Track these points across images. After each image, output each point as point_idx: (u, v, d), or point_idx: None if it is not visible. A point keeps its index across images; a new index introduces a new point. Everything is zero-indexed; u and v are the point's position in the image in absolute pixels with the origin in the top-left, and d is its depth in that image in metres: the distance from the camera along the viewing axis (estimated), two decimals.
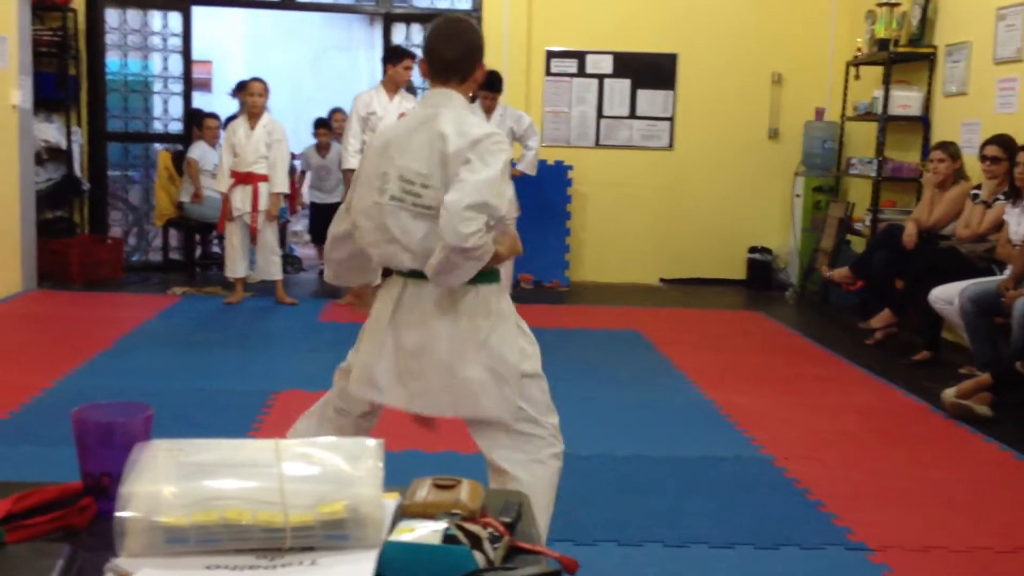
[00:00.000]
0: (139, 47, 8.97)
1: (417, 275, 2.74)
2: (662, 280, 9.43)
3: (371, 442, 1.31)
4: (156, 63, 9.10)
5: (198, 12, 9.70)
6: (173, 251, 9.23)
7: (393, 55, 7.53)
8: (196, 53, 13.78)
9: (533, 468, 2.89)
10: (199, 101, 11.37)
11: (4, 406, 4.69)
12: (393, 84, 7.43)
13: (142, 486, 1.18)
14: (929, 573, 3.31)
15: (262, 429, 4.56)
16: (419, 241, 2.68)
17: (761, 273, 9.26)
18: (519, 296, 8.11)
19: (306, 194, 9.60)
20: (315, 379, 5.41)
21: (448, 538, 1.14)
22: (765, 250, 9.29)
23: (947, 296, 5.88)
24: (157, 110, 9.19)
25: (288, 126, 10.28)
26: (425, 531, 1.15)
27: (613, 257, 9.32)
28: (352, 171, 7.38)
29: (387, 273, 2.94)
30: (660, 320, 7.60)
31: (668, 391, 5.52)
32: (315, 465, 1.22)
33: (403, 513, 1.29)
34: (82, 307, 7.28)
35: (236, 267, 7.59)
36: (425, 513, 1.25)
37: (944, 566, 3.36)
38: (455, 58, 2.80)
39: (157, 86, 9.12)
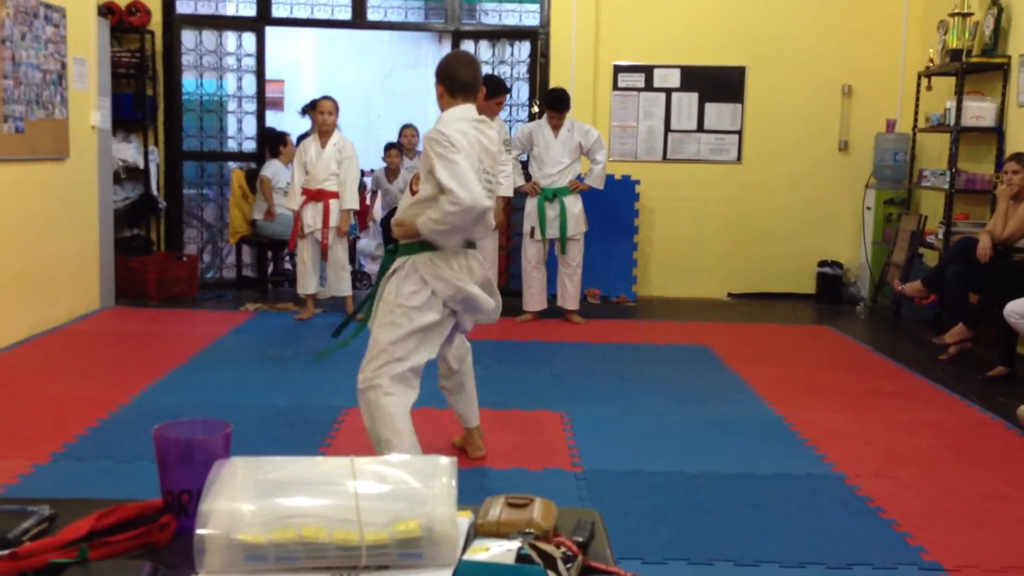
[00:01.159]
0: (214, 67, 9.15)
1: None
2: (730, 295, 9.37)
3: (444, 460, 1.33)
4: (230, 83, 9.28)
5: (271, 32, 9.85)
6: (246, 268, 9.38)
7: (492, 88, 7.27)
8: (269, 72, 14.10)
9: None
10: (271, 120, 11.57)
11: (83, 422, 4.82)
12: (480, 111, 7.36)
13: (221, 503, 1.21)
14: None
15: (333, 444, 4.63)
16: None
17: (831, 287, 9.15)
18: (587, 311, 8.15)
19: (378, 210, 9.72)
20: None
21: (522, 557, 1.16)
22: (835, 264, 9.18)
23: (1022, 310, 5.77)
24: (231, 129, 9.36)
25: (358, 143, 10.42)
26: (499, 550, 1.17)
27: (680, 272, 9.28)
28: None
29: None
30: (729, 335, 7.55)
31: (738, 407, 5.48)
32: (389, 483, 1.25)
33: (476, 532, 1.30)
34: (158, 324, 7.44)
35: (307, 283, 7.70)
36: (498, 532, 1.27)
37: None
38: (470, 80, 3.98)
39: (231, 105, 9.30)
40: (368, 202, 9.69)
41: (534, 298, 7.86)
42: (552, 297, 8.01)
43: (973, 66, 7.65)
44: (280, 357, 6.42)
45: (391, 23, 9.50)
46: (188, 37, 9.02)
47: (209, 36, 9.09)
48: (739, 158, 9.26)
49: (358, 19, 9.18)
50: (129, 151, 8.59)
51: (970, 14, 7.69)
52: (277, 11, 9.16)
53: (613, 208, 8.75)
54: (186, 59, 9.03)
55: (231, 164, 9.38)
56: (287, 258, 9.37)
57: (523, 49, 9.21)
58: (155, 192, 8.81)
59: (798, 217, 9.27)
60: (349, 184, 7.64)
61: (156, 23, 8.79)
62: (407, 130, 9.64)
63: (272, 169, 8.74)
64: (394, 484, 1.26)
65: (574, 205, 7.69)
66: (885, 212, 8.89)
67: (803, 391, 5.84)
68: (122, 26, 8.53)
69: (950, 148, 7.79)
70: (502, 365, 6.35)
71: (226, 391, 5.54)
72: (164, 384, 5.61)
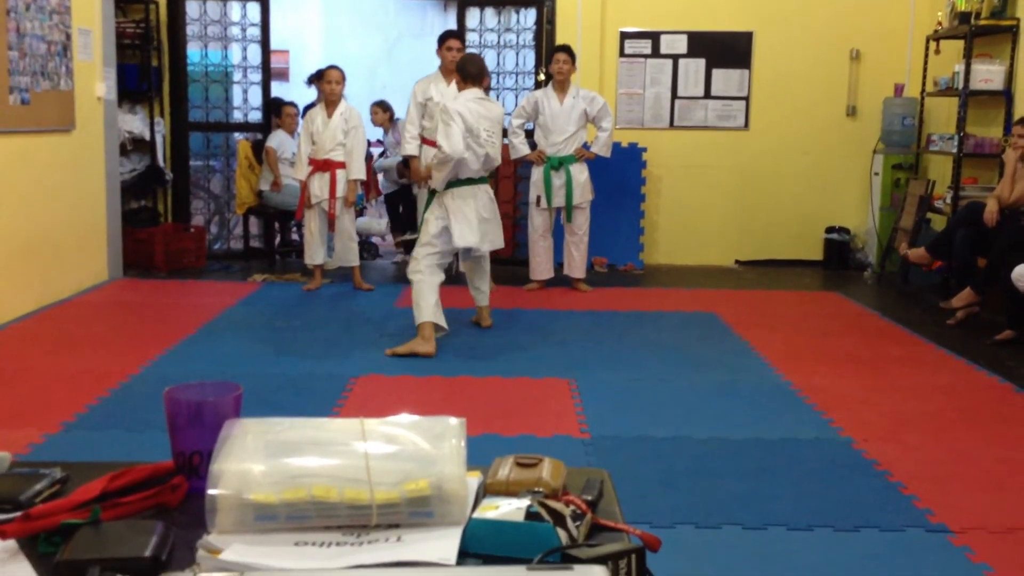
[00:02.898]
0: (219, 38, 9.12)
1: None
2: (737, 262, 9.36)
3: (453, 421, 1.34)
4: (235, 53, 9.24)
5: (276, 2, 9.79)
6: (254, 239, 9.39)
7: (440, 38, 7.60)
8: (274, 43, 14.04)
9: None
10: (277, 90, 11.52)
11: (94, 392, 4.84)
12: (447, 68, 7.43)
13: (232, 464, 1.22)
14: (1012, 555, 3.26)
15: (343, 413, 4.64)
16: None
17: (839, 253, 9.14)
18: (594, 279, 8.15)
19: (382, 184, 9.70)
20: (392, 364, 5.55)
21: (531, 515, 1.16)
22: (843, 230, 9.16)
23: None
24: (237, 100, 9.34)
25: (363, 114, 10.43)
26: (509, 508, 1.18)
27: (688, 239, 9.27)
28: (414, 157, 7.47)
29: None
30: (736, 302, 7.55)
31: (746, 373, 5.49)
32: (398, 444, 1.26)
33: (486, 491, 1.31)
34: (166, 295, 7.46)
35: (314, 254, 7.71)
36: (508, 491, 1.28)
37: None
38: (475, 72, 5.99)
39: (237, 76, 9.27)
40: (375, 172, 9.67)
41: (540, 267, 7.86)
42: (559, 266, 8.01)
43: (982, 29, 7.59)
44: (288, 327, 6.44)
45: None
46: (192, 7, 8.98)
47: (213, 6, 9.05)
48: (746, 124, 9.22)
49: None
50: (135, 123, 8.58)
51: None
52: None
53: (620, 176, 8.73)
54: (191, 29, 9.00)
55: (237, 135, 9.36)
56: (294, 229, 9.38)
57: (529, 16, 9.16)
58: (161, 164, 8.80)
59: (806, 183, 9.24)
60: (356, 154, 7.63)
61: None
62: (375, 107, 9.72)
63: (277, 140, 8.72)
64: (403, 444, 1.26)
65: (580, 173, 7.67)
66: (893, 177, 8.85)
67: (811, 357, 5.84)
68: None
69: (958, 112, 7.75)
70: (509, 333, 6.37)
71: (235, 360, 5.56)
72: (173, 354, 5.64)
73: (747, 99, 9.19)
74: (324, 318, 6.78)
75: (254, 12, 9.08)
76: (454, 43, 7.57)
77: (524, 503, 1.18)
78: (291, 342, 6.02)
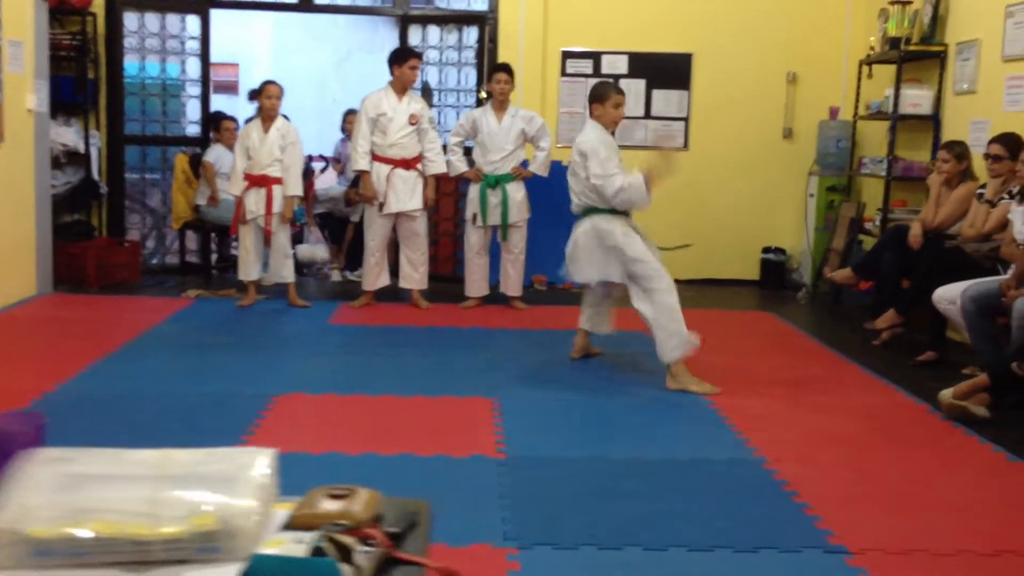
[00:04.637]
0: (157, 50, 9.05)
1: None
2: (676, 280, 9.38)
3: (262, 452, 1.33)
4: (175, 66, 9.18)
5: (223, 15, 9.76)
6: (191, 254, 9.32)
7: (399, 56, 7.60)
8: (223, 56, 13.98)
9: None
10: (226, 104, 11.47)
11: (2, 410, 4.76)
12: (401, 84, 7.49)
13: (14, 497, 1.20)
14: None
15: (258, 433, 4.61)
16: None
17: (775, 273, 9.23)
18: (532, 297, 8.16)
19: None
20: (318, 382, 5.52)
21: (316, 550, 1.16)
22: (779, 250, 9.26)
23: (950, 296, 5.84)
24: (176, 113, 9.27)
25: (313, 128, 10.40)
26: (293, 543, 1.18)
27: None
28: (365, 172, 7.47)
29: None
30: None
31: (668, 393, 5.52)
32: (196, 476, 1.25)
33: (291, 524, 1.31)
34: (95, 310, 7.38)
35: (249, 270, 7.66)
36: (311, 524, 1.27)
37: (924, 569, 3.35)
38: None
39: (175, 90, 9.20)
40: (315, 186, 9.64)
41: (476, 284, 7.88)
42: (496, 284, 8.02)
43: (911, 54, 7.72)
44: (217, 344, 6.39)
45: (338, 7, 9.43)
46: (131, 19, 8.91)
47: (152, 18, 8.99)
48: (686, 145, 9.30)
49: (305, 3, 9.12)
50: (70, 135, 8.49)
51: (910, 2, 7.75)
52: None
53: (560, 194, 8.63)
54: (129, 41, 8.93)
55: (174, 148, 9.28)
56: (233, 244, 9.31)
57: (471, 34, 9.19)
58: (97, 177, 8.72)
59: (744, 204, 9.33)
60: (293, 170, 7.60)
61: (99, 5, 8.68)
62: (351, 116, 9.57)
63: (215, 154, 8.67)
64: (200, 477, 1.25)
65: (516, 192, 7.70)
66: (828, 199, 8.96)
67: (736, 377, 5.88)
68: (63, 8, 8.41)
69: (888, 136, 7.86)
70: (439, 352, 6.37)
71: (155, 379, 5.50)
72: (92, 372, 5.56)
73: (687, 120, 9.27)
74: (254, 335, 6.74)
75: (195, 25, 9.02)
76: (417, 63, 7.59)
77: (312, 537, 1.18)
78: (216, 360, 5.98)
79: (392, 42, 13.05)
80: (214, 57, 13.29)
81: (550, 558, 3.38)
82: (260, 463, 1.30)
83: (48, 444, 4.01)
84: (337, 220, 9.39)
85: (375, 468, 4.18)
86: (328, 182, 9.97)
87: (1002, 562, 3.41)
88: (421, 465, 4.24)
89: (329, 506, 1.31)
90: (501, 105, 7.70)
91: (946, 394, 5.12)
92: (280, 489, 1.35)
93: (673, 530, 3.59)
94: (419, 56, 7.74)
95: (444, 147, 7.86)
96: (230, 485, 1.25)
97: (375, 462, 4.24)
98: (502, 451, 4.44)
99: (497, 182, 7.66)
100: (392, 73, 7.53)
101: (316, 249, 9.64)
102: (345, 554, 1.16)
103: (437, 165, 7.61)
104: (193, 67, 9.15)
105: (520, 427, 4.80)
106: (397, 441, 4.52)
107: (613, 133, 6.09)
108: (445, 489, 3.96)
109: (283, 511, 1.34)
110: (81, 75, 8.55)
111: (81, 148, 8.54)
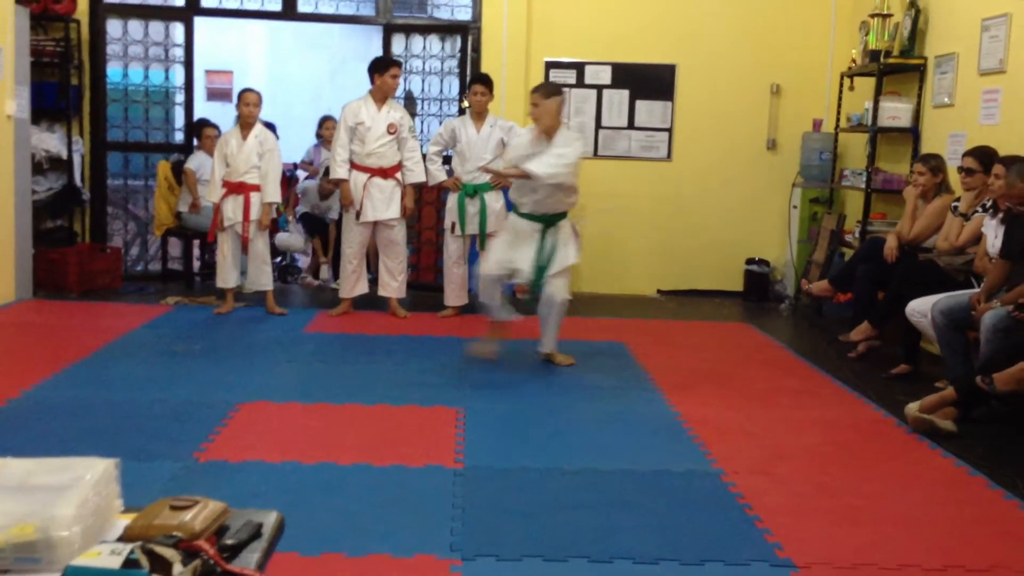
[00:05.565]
0: (140, 57, 9.06)
1: None
2: (659, 292, 9.41)
3: (99, 463, 1.32)
4: (159, 73, 9.18)
5: (216, 23, 9.76)
6: (173, 260, 9.31)
7: (380, 64, 7.59)
8: (217, 63, 14.01)
9: None
10: (219, 111, 11.49)
11: None
12: (381, 93, 7.49)
13: None
14: None
15: (217, 441, 4.60)
16: None
17: (758, 285, 9.22)
18: (514, 307, 8.11)
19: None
20: (284, 390, 5.51)
21: (130, 562, 1.15)
22: (762, 262, 9.24)
23: (922, 309, 5.83)
24: (159, 120, 9.28)
25: (306, 136, 10.41)
26: (109, 555, 1.17)
27: (610, 269, 9.31)
28: (344, 180, 7.48)
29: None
30: (648, 332, 7.58)
31: (636, 404, 5.51)
32: (24, 487, 1.24)
33: (125, 536, 1.30)
34: (72, 317, 7.37)
35: (226, 277, 7.66)
36: (145, 535, 1.26)
37: None
38: None
39: (159, 97, 9.21)
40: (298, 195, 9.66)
41: (454, 293, 7.87)
42: (476, 293, 8.00)
43: (891, 67, 7.72)
44: (187, 351, 6.37)
45: (322, 15, 9.44)
46: (114, 26, 8.93)
47: (136, 26, 9.00)
48: (669, 156, 9.30)
49: (288, 11, 9.13)
50: (52, 141, 8.49)
51: (890, 15, 7.75)
52: (206, 1, 9.06)
53: None
54: (113, 48, 8.94)
55: (157, 156, 9.27)
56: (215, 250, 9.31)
57: (455, 43, 9.20)
58: (79, 183, 8.72)
59: (727, 215, 9.32)
60: (271, 177, 7.59)
61: (82, 12, 8.70)
62: (328, 122, 9.59)
63: (196, 161, 8.68)
64: (28, 488, 1.24)
65: (495, 201, 7.69)
66: (811, 211, 8.95)
67: (706, 388, 5.88)
68: (47, 14, 8.44)
69: (868, 148, 7.86)
70: (413, 360, 6.35)
71: (121, 386, 5.48)
72: (60, 378, 5.56)
73: (670, 131, 9.26)
74: (228, 342, 6.73)
75: (178, 32, 9.03)
76: (398, 71, 7.60)
77: (127, 549, 1.17)
78: (186, 366, 5.97)
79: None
80: (208, 65, 13.42)
81: (493, 570, 3.36)
82: (94, 474, 1.29)
83: (2, 453, 4.02)
84: (318, 221, 9.40)
85: (329, 478, 4.16)
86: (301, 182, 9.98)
87: None
88: (375, 475, 4.23)
89: (167, 518, 1.29)
90: (480, 115, 7.69)
91: (912, 407, 5.10)
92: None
93: (621, 542, 3.57)
94: (399, 65, 7.75)
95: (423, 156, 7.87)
96: (56, 496, 1.23)
97: (329, 472, 4.23)
98: (460, 461, 4.42)
99: (476, 191, 7.65)
100: (373, 82, 7.53)
101: (292, 238, 9.66)
102: (164, 566, 1.14)
103: (416, 174, 7.61)
104: (178, 74, 9.15)
105: (482, 437, 4.78)
106: (354, 451, 4.51)
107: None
108: (397, 499, 3.95)
109: (122, 521, 1.33)
110: (64, 81, 8.56)
111: (64, 154, 8.54)
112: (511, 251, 6.22)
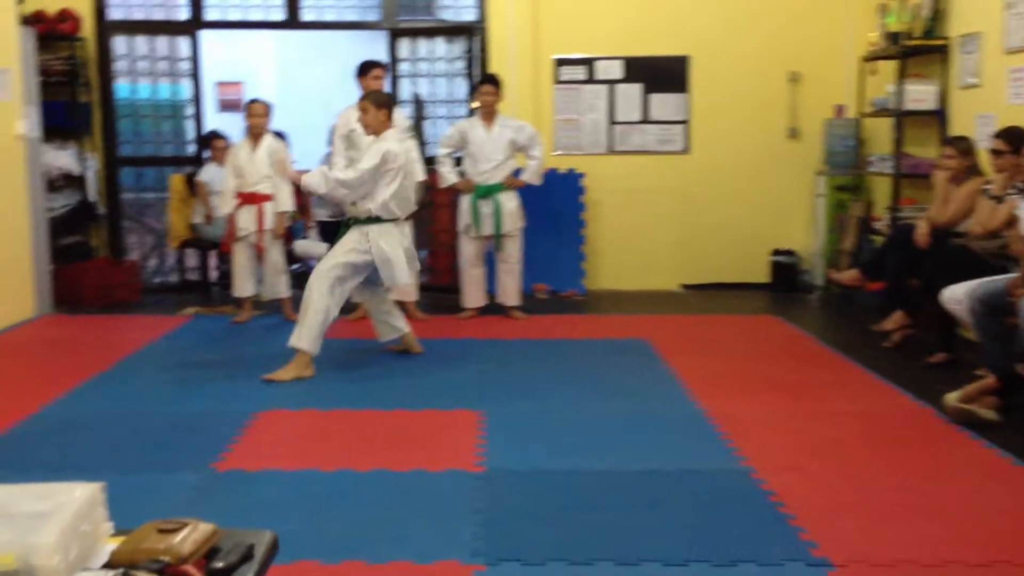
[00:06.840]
0: (147, 72, 9.00)
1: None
2: (683, 286, 9.25)
3: (81, 489, 1.23)
4: (167, 87, 9.13)
5: (225, 36, 9.69)
6: (191, 272, 9.27)
7: (362, 69, 7.50)
8: (227, 75, 13.99)
9: None
10: (231, 122, 11.43)
11: None
12: None
13: None
14: None
15: (236, 450, 4.50)
16: None
17: (786, 276, 9.03)
18: (534, 306, 8.02)
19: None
20: (301, 397, 5.42)
21: None
22: (790, 252, 9.07)
23: (958, 296, 5.62)
24: (170, 133, 9.23)
25: (319, 144, 10.33)
26: None
27: (632, 265, 9.16)
28: None
29: None
30: (672, 328, 7.42)
31: (661, 402, 5.36)
32: (5, 515, 1.16)
33: (113, 560, 1.20)
34: (91, 330, 7.31)
35: (243, 287, 7.60)
36: (132, 560, 1.17)
37: None
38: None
39: (169, 110, 9.17)
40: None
41: (472, 295, 7.76)
42: (494, 293, 7.89)
43: (913, 49, 7.53)
44: (205, 362, 6.29)
45: (326, 23, 9.37)
46: (120, 43, 8.88)
47: (142, 41, 8.94)
48: (687, 148, 9.14)
49: (293, 20, 9.05)
50: (65, 159, 8.46)
51: None
52: (210, 14, 9.00)
53: (559, 202, 8.64)
54: (120, 65, 8.89)
55: (169, 169, 9.21)
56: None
57: (460, 45, 9.09)
58: (93, 199, 8.68)
59: (750, 206, 9.15)
60: (283, 186, 7.51)
61: (88, 30, 8.66)
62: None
63: (208, 173, 8.61)
64: (9, 516, 1.17)
65: (509, 201, 7.57)
66: (837, 198, 8.76)
67: (733, 383, 5.71)
68: (53, 34, 8.39)
69: (894, 132, 7.68)
70: (431, 363, 6.24)
71: (139, 398, 5.42)
72: (79, 392, 5.49)
73: (686, 123, 9.11)
74: (244, 352, 6.63)
75: (185, 46, 8.97)
76: (381, 72, 7.52)
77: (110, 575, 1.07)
78: (203, 377, 5.87)
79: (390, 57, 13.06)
80: (219, 77, 13.38)
81: (517, 574, 3.24)
82: (78, 499, 1.19)
83: (20, 467, 3.94)
84: (335, 226, 9.27)
85: (348, 485, 4.06)
86: None
87: (993, 572, 3.24)
88: (396, 480, 4.12)
89: (154, 542, 1.19)
90: (489, 115, 7.58)
91: (951, 397, 4.93)
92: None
93: (648, 544, 3.44)
94: (382, 66, 7.62)
95: (431, 158, 7.78)
96: (38, 523, 1.15)
97: (349, 479, 4.12)
98: (481, 464, 4.30)
99: (488, 192, 7.53)
100: (359, 87, 7.43)
101: (312, 245, 9.56)
102: None
103: (415, 174, 7.46)
104: (186, 88, 9.09)
105: (503, 440, 4.66)
106: (374, 456, 4.40)
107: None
108: (418, 505, 3.84)
109: (110, 546, 1.23)
110: (73, 99, 8.52)
111: (77, 171, 8.51)
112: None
